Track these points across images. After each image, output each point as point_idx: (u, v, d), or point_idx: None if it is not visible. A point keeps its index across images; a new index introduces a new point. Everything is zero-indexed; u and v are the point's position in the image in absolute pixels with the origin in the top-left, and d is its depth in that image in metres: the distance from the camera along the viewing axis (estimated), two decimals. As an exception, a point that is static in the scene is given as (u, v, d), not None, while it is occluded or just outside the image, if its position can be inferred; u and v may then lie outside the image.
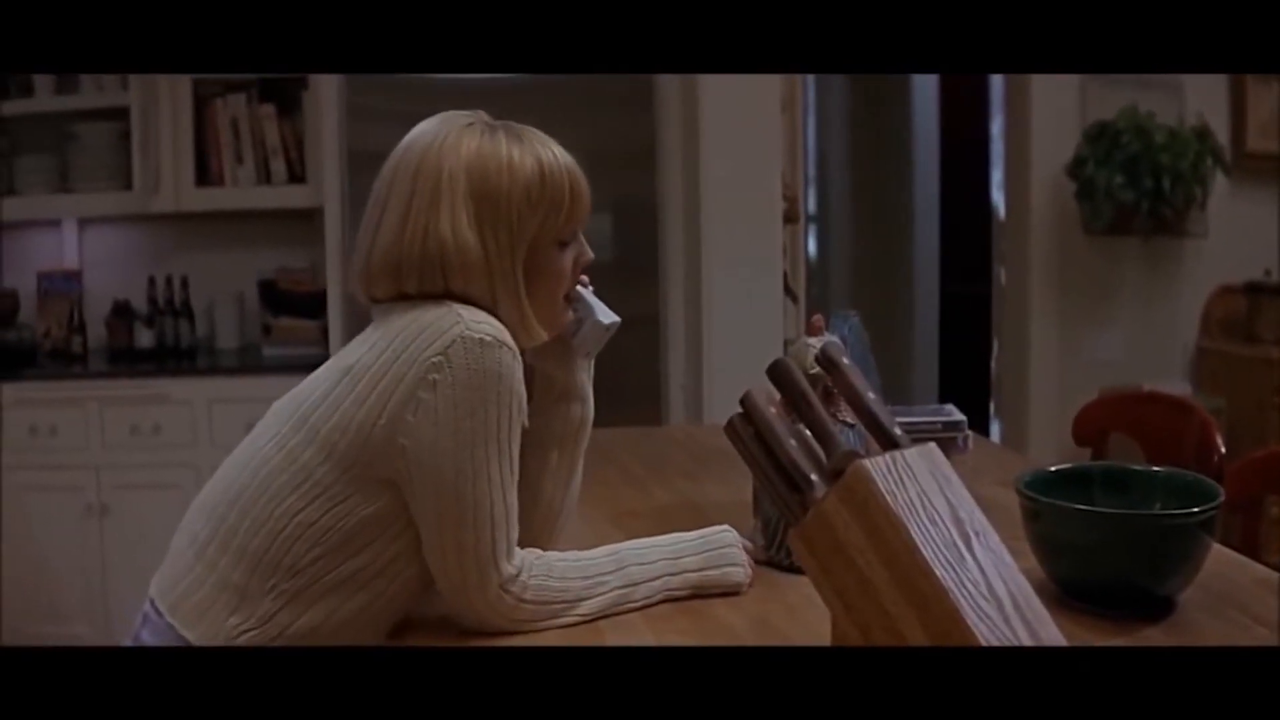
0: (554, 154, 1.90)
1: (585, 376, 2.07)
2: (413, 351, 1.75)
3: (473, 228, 1.83)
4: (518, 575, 1.80)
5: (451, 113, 1.93)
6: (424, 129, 1.91)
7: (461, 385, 1.73)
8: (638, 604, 1.90)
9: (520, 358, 1.80)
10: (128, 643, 1.91)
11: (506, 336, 1.78)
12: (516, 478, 1.81)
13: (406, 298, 1.86)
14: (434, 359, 1.74)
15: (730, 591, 1.96)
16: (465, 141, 1.86)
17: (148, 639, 1.86)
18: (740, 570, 1.97)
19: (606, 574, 1.89)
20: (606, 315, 2.02)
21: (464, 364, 1.73)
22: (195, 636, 1.81)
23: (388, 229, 1.86)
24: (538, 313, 1.90)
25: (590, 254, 1.99)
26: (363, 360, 1.80)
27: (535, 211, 1.86)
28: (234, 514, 1.83)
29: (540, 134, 1.93)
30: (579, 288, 2.00)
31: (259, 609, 1.80)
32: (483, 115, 1.93)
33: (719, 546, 1.98)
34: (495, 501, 1.77)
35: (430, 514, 1.78)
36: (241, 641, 1.79)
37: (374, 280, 1.88)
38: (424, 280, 1.84)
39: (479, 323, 1.77)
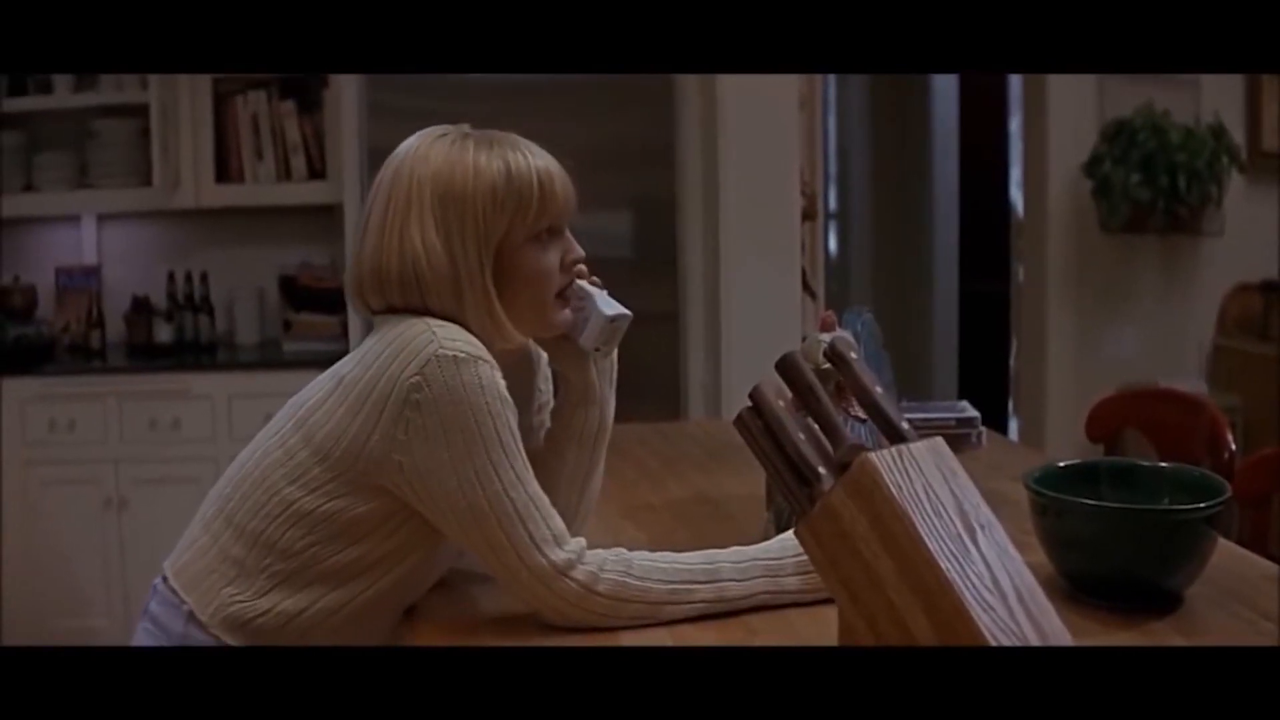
0: (524, 156, 1.90)
1: (604, 380, 2.07)
2: (393, 371, 1.78)
3: (439, 233, 1.85)
4: (578, 562, 1.78)
5: (431, 127, 1.95)
6: (403, 144, 1.94)
7: (445, 402, 1.75)
8: (728, 612, 1.86)
9: (498, 368, 1.81)
10: (138, 618, 1.97)
11: (481, 350, 1.80)
12: (530, 470, 1.82)
13: (394, 310, 1.89)
14: (413, 379, 1.76)
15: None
16: (434, 152, 1.89)
17: (155, 609, 1.94)
18: None
19: (697, 583, 1.84)
20: (610, 306, 1.98)
21: (441, 382, 1.76)
22: (193, 600, 1.88)
23: (370, 243, 1.90)
24: (520, 314, 1.91)
25: (579, 251, 1.98)
26: (353, 373, 1.84)
27: (502, 211, 1.87)
28: (237, 496, 1.90)
29: (520, 140, 1.93)
30: (583, 283, 1.99)
31: (254, 584, 1.86)
32: (463, 127, 1.95)
33: None
34: (514, 498, 1.77)
35: (453, 525, 1.80)
36: (234, 611, 1.86)
37: (365, 293, 1.92)
38: (405, 293, 1.87)
39: (452, 340, 1.79)
